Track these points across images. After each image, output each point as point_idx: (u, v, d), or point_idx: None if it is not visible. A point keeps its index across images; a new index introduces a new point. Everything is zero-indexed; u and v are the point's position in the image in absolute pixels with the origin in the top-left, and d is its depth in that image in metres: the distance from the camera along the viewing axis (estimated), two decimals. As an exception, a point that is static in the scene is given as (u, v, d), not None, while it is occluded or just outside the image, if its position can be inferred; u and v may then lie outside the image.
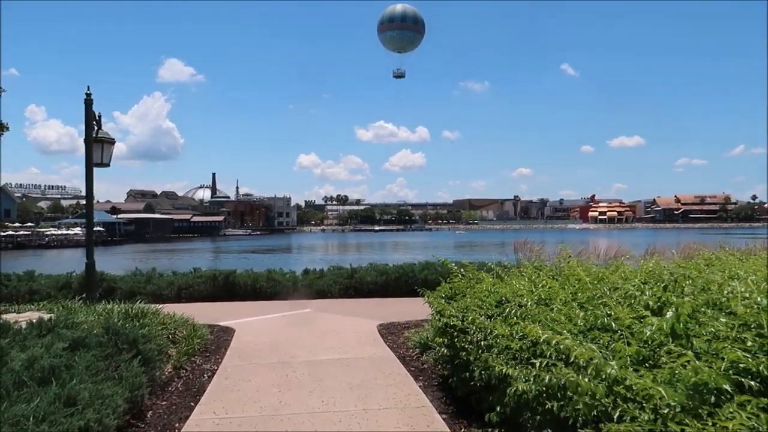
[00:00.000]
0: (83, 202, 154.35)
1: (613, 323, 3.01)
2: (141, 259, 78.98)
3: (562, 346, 2.71)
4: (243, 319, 9.33)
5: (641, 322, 2.84)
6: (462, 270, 5.76)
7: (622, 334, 2.85)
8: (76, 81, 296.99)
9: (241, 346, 7.43)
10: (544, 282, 4.41)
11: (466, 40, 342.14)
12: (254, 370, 6.16)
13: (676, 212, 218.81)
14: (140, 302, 8.17)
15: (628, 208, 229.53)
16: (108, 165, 8.79)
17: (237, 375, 6.00)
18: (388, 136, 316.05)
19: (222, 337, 8.01)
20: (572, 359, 2.60)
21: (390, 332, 8.13)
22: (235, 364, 6.46)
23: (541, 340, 2.90)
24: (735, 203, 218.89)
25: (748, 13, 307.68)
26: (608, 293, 3.64)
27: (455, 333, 4.36)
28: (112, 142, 8.71)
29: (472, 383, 3.94)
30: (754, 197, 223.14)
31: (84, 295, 8.42)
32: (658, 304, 3.21)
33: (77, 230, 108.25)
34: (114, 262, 69.80)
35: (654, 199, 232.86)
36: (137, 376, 4.59)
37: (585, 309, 3.41)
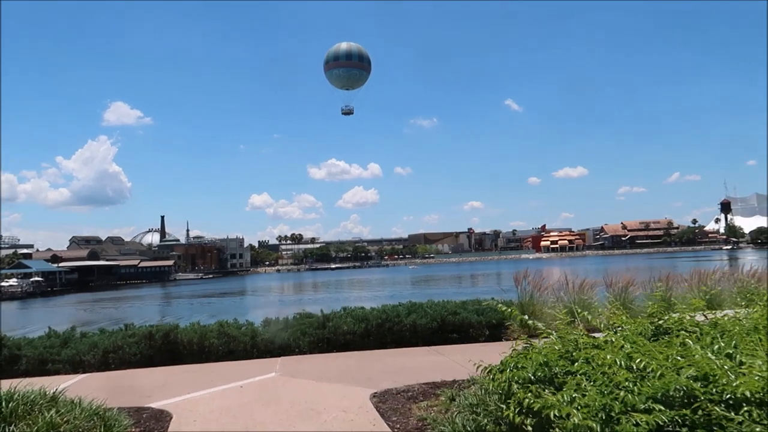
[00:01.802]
0: (21, 251, 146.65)
1: None
2: (85, 308, 73.75)
3: None
4: (186, 394, 6.90)
5: None
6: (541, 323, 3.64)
7: None
8: (14, 128, 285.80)
9: (179, 446, 5.05)
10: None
11: (413, 78, 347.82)
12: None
13: (623, 238, 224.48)
14: (22, 380, 5.72)
15: (578, 237, 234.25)
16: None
17: None
18: (341, 173, 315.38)
19: (152, 430, 5.59)
20: None
21: (391, 407, 5.84)
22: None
23: None
24: (677, 228, 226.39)
25: (678, 46, 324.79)
26: None
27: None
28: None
29: None
30: (695, 221, 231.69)
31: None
32: None
33: (12, 281, 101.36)
34: (50, 316, 64.57)
35: (602, 227, 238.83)
36: None
37: None
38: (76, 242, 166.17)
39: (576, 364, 2.94)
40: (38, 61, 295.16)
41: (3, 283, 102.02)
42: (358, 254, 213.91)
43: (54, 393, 5.28)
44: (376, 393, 6.42)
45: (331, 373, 7.78)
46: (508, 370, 3.24)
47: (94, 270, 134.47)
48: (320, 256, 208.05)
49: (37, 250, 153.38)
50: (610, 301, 11.30)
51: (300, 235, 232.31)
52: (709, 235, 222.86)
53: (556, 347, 3.31)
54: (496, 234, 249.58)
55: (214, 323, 9.98)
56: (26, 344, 9.47)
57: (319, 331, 9.88)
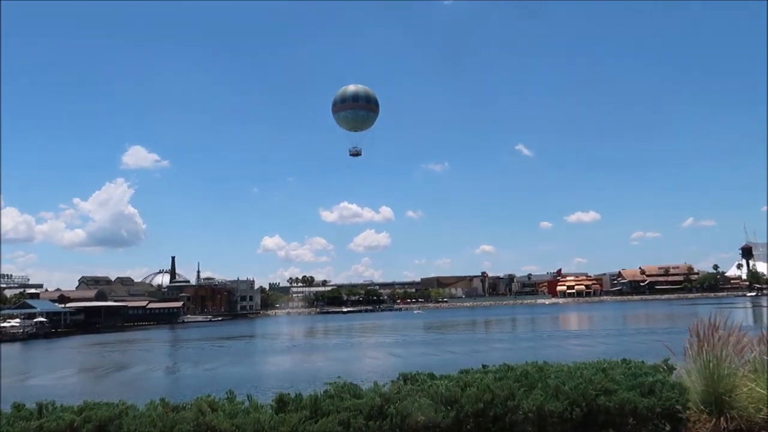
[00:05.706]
0: (29, 290, 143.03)
1: None
2: (88, 352, 69.22)
3: None
4: None
5: None
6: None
7: None
8: (33, 169, 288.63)
9: None
10: None
11: (424, 123, 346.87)
12: None
13: (642, 284, 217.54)
14: None
15: (595, 281, 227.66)
16: None
17: None
18: (353, 216, 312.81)
19: None
20: None
21: None
22: None
23: None
24: (697, 273, 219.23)
25: (684, 97, 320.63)
26: None
27: None
28: None
29: None
30: (716, 267, 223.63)
31: None
32: None
33: (15, 322, 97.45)
34: (49, 360, 60.14)
35: (619, 272, 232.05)
36: None
37: None
38: (85, 282, 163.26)
39: None
40: (61, 105, 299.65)
41: (4, 324, 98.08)
42: (370, 297, 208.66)
43: None
44: None
45: None
46: None
47: (101, 311, 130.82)
48: (331, 299, 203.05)
49: (46, 290, 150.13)
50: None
51: (311, 277, 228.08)
52: (731, 281, 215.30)
53: None
54: (511, 278, 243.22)
55: (190, 406, 5.69)
56: None
57: (374, 424, 5.52)
